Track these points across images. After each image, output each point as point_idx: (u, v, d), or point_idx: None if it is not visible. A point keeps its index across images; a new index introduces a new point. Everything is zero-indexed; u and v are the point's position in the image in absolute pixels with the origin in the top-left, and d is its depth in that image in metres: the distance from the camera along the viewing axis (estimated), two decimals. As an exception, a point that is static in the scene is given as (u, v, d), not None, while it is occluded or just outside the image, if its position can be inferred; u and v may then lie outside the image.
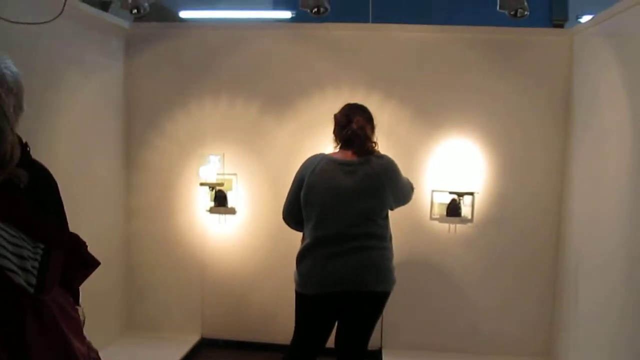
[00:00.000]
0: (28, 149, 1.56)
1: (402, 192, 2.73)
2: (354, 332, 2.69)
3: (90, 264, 0.92)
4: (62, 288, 0.86)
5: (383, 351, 3.74)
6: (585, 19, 3.62)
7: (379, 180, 2.57)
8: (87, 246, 0.97)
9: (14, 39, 2.54)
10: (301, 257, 2.65)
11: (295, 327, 2.72)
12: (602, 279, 2.91)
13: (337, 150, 2.70)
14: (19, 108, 1.43)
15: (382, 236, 2.60)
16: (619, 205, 2.76)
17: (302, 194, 2.63)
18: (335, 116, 2.72)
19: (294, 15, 6.34)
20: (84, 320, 1.58)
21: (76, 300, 1.56)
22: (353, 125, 2.61)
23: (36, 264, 0.75)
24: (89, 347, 0.91)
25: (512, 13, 2.74)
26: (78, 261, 0.87)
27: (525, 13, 2.71)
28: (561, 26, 6.63)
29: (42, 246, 0.77)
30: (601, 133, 3.06)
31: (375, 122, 3.74)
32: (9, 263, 0.71)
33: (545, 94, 3.59)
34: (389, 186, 2.60)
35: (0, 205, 0.76)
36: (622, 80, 2.80)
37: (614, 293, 2.75)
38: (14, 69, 1.44)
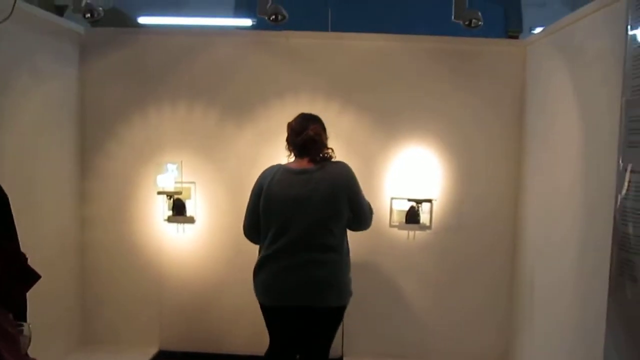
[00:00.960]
0: None
1: (359, 202, 2.69)
2: (314, 343, 2.71)
3: (30, 277, 0.88)
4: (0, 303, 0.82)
5: (344, 359, 3.74)
6: (538, 31, 3.73)
7: (334, 185, 2.58)
8: (27, 259, 0.93)
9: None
10: (259, 267, 2.64)
11: (269, 334, 2.76)
12: (557, 287, 2.98)
13: (291, 159, 2.72)
14: None
15: (337, 248, 2.60)
16: (572, 207, 2.84)
17: (260, 205, 2.63)
18: (290, 124, 2.73)
19: (254, 23, 6.32)
20: (29, 337, 1.51)
21: (23, 316, 1.49)
22: (309, 132, 2.62)
23: None
24: None
25: (466, 23, 2.80)
26: (17, 274, 0.83)
27: (480, 23, 2.78)
28: (516, 37, 6.82)
29: None
30: (553, 141, 3.15)
31: (334, 130, 3.78)
32: None
33: (500, 103, 3.68)
34: (344, 192, 2.60)
35: None
36: (572, 89, 2.89)
37: (568, 308, 2.82)
38: None
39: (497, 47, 3.76)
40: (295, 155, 2.71)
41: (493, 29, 6.95)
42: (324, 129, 2.74)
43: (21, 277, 0.85)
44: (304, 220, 2.54)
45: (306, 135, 2.62)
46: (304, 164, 2.65)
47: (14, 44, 2.99)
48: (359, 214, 2.71)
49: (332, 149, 2.73)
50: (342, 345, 3.76)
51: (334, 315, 2.66)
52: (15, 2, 2.56)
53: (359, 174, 3.67)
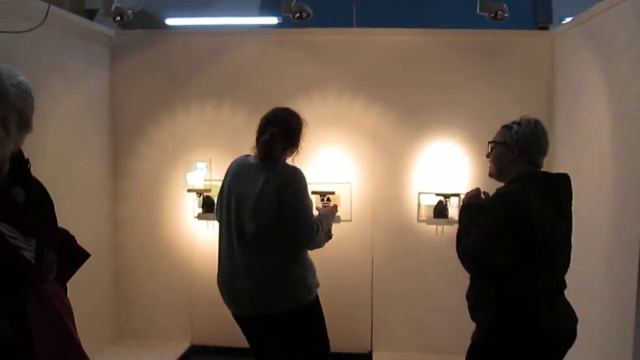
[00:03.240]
0: (29, 166, 1.55)
1: (293, 210, 2.40)
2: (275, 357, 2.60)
3: (80, 256, 0.97)
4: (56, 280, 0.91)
5: (373, 354, 3.75)
6: (568, 21, 3.67)
7: (273, 188, 2.39)
8: (76, 240, 1.02)
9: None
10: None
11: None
12: (585, 280, 2.94)
13: (254, 154, 2.57)
14: (23, 126, 1.37)
15: (273, 251, 2.41)
16: (602, 202, 2.79)
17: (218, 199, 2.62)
18: (261, 118, 2.60)
19: (280, 21, 6.36)
20: None
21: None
22: (266, 135, 2.47)
23: (33, 255, 0.83)
24: None
25: (491, 15, 2.77)
26: (68, 254, 0.91)
27: (505, 15, 2.74)
28: (546, 28, 6.71)
29: (34, 241, 0.84)
30: (584, 132, 3.10)
31: (360, 125, 3.77)
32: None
33: (528, 95, 3.63)
34: (280, 197, 2.38)
35: None
36: (602, 80, 2.84)
37: (599, 284, 2.78)
38: (25, 86, 1.39)
39: (525, 39, 3.71)
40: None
41: (522, 21, 6.86)
42: (285, 133, 2.51)
43: (71, 256, 0.93)
44: (245, 219, 2.43)
45: (262, 139, 2.48)
46: (257, 159, 2.52)
47: (48, 48, 3.09)
48: (294, 223, 2.41)
49: (286, 154, 2.53)
50: (371, 339, 3.78)
51: (279, 323, 2.48)
52: (48, 8, 2.64)
53: (385, 170, 3.68)
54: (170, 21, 6.47)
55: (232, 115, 3.82)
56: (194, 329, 3.95)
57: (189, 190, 3.75)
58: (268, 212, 2.37)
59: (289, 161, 2.56)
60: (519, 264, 2.00)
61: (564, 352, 2.11)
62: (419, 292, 3.76)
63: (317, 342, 2.56)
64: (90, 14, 5.15)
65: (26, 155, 1.51)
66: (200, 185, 3.74)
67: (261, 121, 2.58)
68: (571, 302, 2.15)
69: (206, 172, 3.76)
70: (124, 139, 3.89)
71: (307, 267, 2.50)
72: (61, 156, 3.24)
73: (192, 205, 3.82)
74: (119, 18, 3.14)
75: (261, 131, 2.53)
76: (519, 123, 2.19)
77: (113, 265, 3.91)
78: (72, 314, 0.93)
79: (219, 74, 3.81)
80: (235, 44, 3.84)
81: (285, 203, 2.38)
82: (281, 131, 2.49)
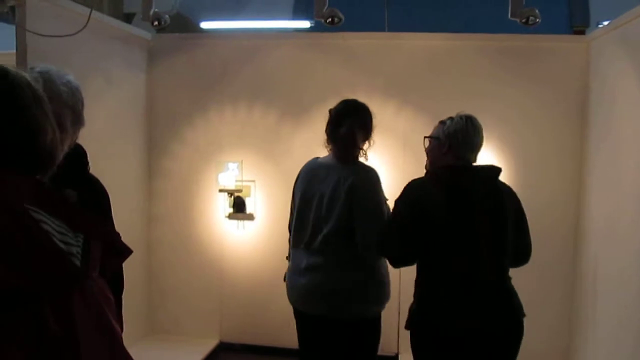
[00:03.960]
0: (88, 165, 1.67)
1: (369, 216, 2.27)
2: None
3: (123, 252, 1.02)
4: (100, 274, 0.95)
5: (400, 356, 3.75)
6: (605, 24, 3.61)
7: (345, 189, 2.28)
8: (120, 237, 1.08)
9: (45, 51, 2.66)
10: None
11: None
12: (621, 286, 2.90)
13: (328, 151, 2.48)
14: (77, 122, 1.53)
15: (341, 256, 2.31)
16: (636, 211, 2.75)
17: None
18: (330, 111, 2.46)
19: (312, 25, 6.42)
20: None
21: (120, 290, 1.68)
22: (341, 130, 2.36)
23: (79, 250, 0.86)
24: None
25: (523, 21, 2.75)
26: (113, 249, 0.96)
27: (537, 20, 2.72)
28: (582, 33, 6.59)
29: (81, 236, 0.88)
30: (618, 139, 3.05)
31: (391, 130, 3.75)
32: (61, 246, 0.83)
33: (561, 101, 3.59)
34: (351, 199, 2.27)
35: (47, 202, 0.86)
36: (639, 87, 2.80)
37: (634, 299, 2.74)
38: (74, 84, 1.52)
39: (558, 44, 3.67)
40: (331, 148, 2.45)
41: (557, 25, 6.76)
42: (362, 126, 2.39)
43: (116, 252, 0.98)
44: (316, 219, 2.36)
45: (337, 133, 2.38)
46: (331, 159, 2.42)
47: (89, 51, 3.20)
48: (366, 232, 2.26)
49: (364, 150, 2.43)
50: (398, 342, 3.78)
51: (338, 331, 2.36)
52: (90, 13, 2.75)
53: (414, 173, 3.65)
54: (205, 25, 6.59)
55: (264, 117, 3.89)
56: (223, 326, 4.03)
57: (221, 190, 3.83)
58: (338, 215, 2.26)
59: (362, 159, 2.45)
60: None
61: (468, 351, 2.05)
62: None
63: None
64: (128, 18, 5.30)
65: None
66: (231, 186, 3.82)
67: (332, 114, 2.43)
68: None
69: (237, 173, 3.84)
70: (159, 139, 4.00)
71: (377, 278, 2.35)
72: (100, 155, 3.33)
73: (223, 205, 3.90)
74: (156, 22, 3.24)
75: (335, 124, 2.38)
76: (452, 119, 2.27)
77: (147, 262, 4.02)
78: (114, 306, 0.98)
79: (252, 76, 3.88)
80: (267, 47, 3.91)
81: (357, 206, 2.25)
82: (360, 125, 2.37)
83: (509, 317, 2.14)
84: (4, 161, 0.88)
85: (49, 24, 2.70)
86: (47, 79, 1.38)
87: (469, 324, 2.04)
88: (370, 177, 2.34)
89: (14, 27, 2.68)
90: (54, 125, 0.97)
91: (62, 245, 0.84)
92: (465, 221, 2.08)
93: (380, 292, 2.38)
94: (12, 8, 2.68)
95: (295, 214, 2.48)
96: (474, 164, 2.25)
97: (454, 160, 2.19)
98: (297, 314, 2.52)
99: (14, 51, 2.67)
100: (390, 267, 2.38)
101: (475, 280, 2.08)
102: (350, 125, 2.36)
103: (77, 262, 0.85)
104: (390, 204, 2.29)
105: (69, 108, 1.47)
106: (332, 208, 2.29)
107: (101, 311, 0.91)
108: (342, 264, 2.32)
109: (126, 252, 1.06)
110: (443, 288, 2.09)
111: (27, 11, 2.65)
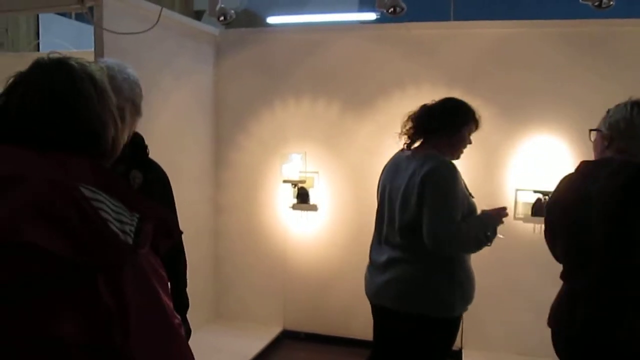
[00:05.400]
0: (147, 150, 1.81)
1: (435, 213, 2.17)
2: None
3: (174, 233, 1.08)
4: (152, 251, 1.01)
5: (463, 351, 3.70)
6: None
7: (416, 182, 2.22)
8: (175, 220, 1.13)
9: (120, 48, 2.81)
10: None
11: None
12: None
13: (404, 145, 2.45)
14: (136, 113, 1.66)
15: (413, 251, 2.26)
16: None
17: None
18: (424, 106, 2.48)
19: (378, 17, 6.37)
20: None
21: (176, 272, 1.83)
22: (432, 125, 2.37)
23: (132, 228, 0.92)
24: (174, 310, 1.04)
25: (595, 4, 2.61)
26: (164, 231, 1.01)
27: (611, 3, 2.57)
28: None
29: (137, 215, 0.94)
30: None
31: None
32: (113, 226, 0.89)
33: (638, 86, 3.38)
34: (421, 192, 2.19)
35: (106, 183, 0.93)
36: None
37: None
38: (133, 77, 1.64)
39: (636, 28, 3.45)
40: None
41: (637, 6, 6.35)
42: (451, 124, 2.41)
43: (167, 233, 1.04)
44: (389, 212, 2.35)
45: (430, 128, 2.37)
46: (412, 153, 2.37)
47: (160, 47, 3.36)
48: (432, 228, 2.17)
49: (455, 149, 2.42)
50: (462, 336, 3.72)
51: (402, 324, 2.31)
52: (161, 11, 2.88)
53: (481, 166, 3.59)
54: (271, 19, 6.70)
55: (327, 110, 3.92)
56: (286, 314, 4.12)
57: (285, 181, 3.91)
58: (410, 208, 2.21)
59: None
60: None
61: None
62: (513, 291, 3.65)
63: None
64: (198, 15, 5.49)
65: (145, 142, 1.75)
66: (295, 177, 3.89)
67: (426, 109, 2.46)
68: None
69: (301, 164, 3.90)
70: (225, 131, 4.12)
71: (452, 278, 2.26)
72: (170, 146, 3.51)
73: (287, 195, 3.97)
74: (222, 18, 3.34)
75: (429, 120, 2.40)
76: (618, 106, 2.04)
77: (214, 250, 4.17)
78: (166, 283, 1.02)
79: (316, 69, 3.92)
80: (332, 40, 3.93)
81: (424, 199, 2.17)
82: (441, 122, 2.37)
83: None
84: (68, 149, 0.95)
85: (123, 23, 2.85)
86: (110, 75, 1.47)
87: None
88: (442, 169, 2.24)
89: (92, 27, 2.86)
90: (117, 117, 1.03)
91: (116, 223, 0.90)
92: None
93: (456, 291, 2.27)
94: (91, 8, 2.84)
95: (377, 208, 2.49)
96: None
97: (613, 154, 1.98)
98: (372, 308, 2.52)
99: (92, 49, 2.85)
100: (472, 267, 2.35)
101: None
102: (441, 122, 2.38)
103: (130, 240, 0.90)
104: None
105: (129, 101, 1.58)
106: (406, 201, 2.24)
107: (152, 286, 0.95)
108: (417, 259, 2.26)
109: (176, 233, 1.11)
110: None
111: (104, 11, 2.81)
